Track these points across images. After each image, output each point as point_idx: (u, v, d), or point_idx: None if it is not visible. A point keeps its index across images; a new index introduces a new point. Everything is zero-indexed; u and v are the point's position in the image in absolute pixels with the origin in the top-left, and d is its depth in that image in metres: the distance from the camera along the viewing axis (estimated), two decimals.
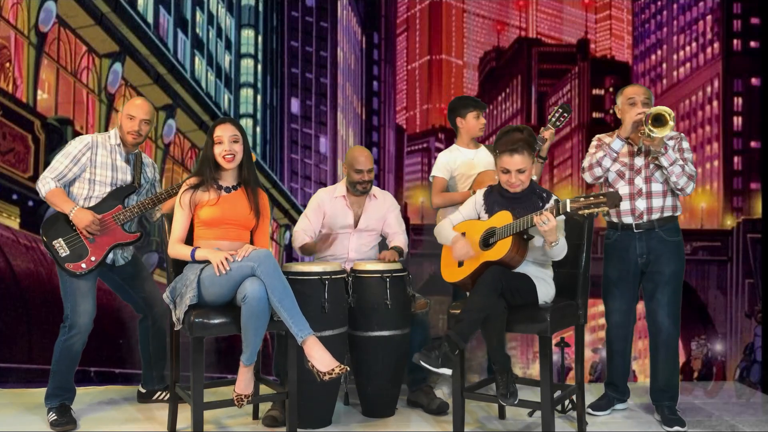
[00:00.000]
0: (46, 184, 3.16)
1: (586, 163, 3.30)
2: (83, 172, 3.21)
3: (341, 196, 3.62)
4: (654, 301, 3.25)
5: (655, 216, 3.24)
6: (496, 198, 3.01)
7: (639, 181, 3.25)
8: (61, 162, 3.18)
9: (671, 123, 3.01)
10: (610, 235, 3.36)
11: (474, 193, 3.58)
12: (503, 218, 2.90)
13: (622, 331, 3.39)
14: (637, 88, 3.31)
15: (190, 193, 2.95)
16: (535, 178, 3.15)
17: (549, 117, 3.62)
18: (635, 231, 3.26)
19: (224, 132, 2.95)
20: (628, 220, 3.27)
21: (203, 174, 2.97)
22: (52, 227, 3.14)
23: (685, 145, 3.25)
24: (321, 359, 2.68)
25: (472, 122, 3.74)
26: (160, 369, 3.55)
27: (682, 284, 3.29)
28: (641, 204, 3.24)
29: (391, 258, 3.39)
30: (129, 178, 3.28)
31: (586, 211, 2.69)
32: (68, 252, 3.13)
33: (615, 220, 3.31)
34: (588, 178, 3.29)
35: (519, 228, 2.81)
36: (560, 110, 3.58)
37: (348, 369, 2.73)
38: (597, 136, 3.45)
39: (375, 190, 3.69)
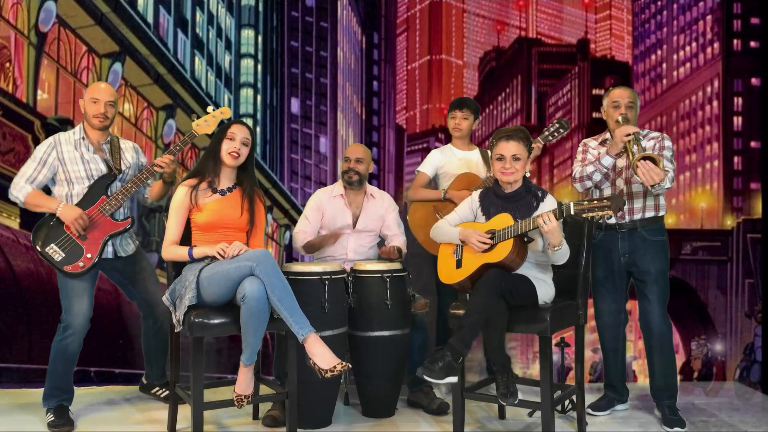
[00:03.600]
0: (21, 189, 3.13)
1: (576, 174, 3.31)
2: (56, 172, 3.19)
3: (339, 195, 3.62)
4: (644, 301, 3.28)
5: (637, 216, 3.26)
6: (492, 199, 3.01)
7: (620, 183, 3.28)
8: (29, 166, 3.17)
9: (661, 167, 3.00)
10: (595, 235, 3.38)
11: (445, 193, 3.61)
12: (503, 220, 2.89)
13: (613, 332, 3.40)
14: (622, 90, 3.30)
15: (189, 192, 2.95)
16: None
17: (544, 130, 3.63)
18: (618, 231, 3.28)
19: (239, 132, 2.98)
20: (611, 220, 3.30)
21: (204, 168, 2.98)
22: (43, 234, 3.12)
23: (667, 143, 3.25)
24: (322, 357, 2.68)
25: (449, 122, 3.80)
26: (160, 366, 3.55)
27: (668, 282, 3.30)
28: None
29: (391, 252, 3.39)
30: (102, 167, 3.24)
31: (590, 214, 2.68)
32: (63, 255, 3.11)
33: (599, 220, 3.34)
34: (579, 188, 3.32)
35: (520, 230, 2.80)
36: (557, 125, 3.59)
37: (350, 366, 2.73)
38: (583, 141, 3.47)
39: (373, 189, 3.70)
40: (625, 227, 3.28)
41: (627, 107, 3.24)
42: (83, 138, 3.24)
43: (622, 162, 3.25)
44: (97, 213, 3.16)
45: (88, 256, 3.14)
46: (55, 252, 3.10)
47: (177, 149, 3.26)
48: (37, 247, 3.11)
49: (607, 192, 3.29)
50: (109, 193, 3.20)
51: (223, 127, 3.02)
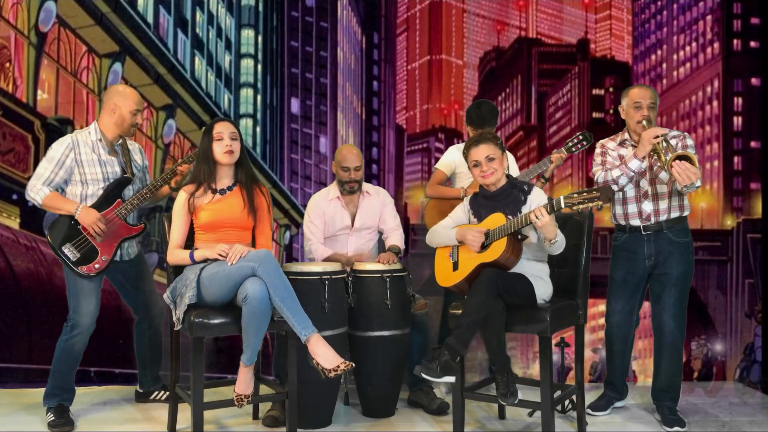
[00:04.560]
0: (38, 192, 3.11)
1: (600, 178, 3.22)
2: (72, 174, 3.17)
3: (336, 198, 3.61)
4: (660, 302, 3.24)
5: (663, 217, 3.21)
6: (480, 201, 3.03)
7: (644, 183, 3.23)
8: (46, 168, 3.13)
9: (697, 165, 2.94)
10: (618, 237, 3.34)
11: (465, 191, 3.61)
12: (496, 220, 2.90)
13: (622, 332, 3.37)
14: (644, 90, 3.23)
15: (188, 198, 2.95)
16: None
17: (567, 141, 3.62)
18: (643, 233, 3.24)
19: (224, 129, 2.96)
20: (635, 222, 3.25)
21: (200, 173, 2.97)
22: (59, 233, 3.11)
23: (689, 142, 3.21)
24: (325, 356, 2.68)
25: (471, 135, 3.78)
26: (155, 370, 3.55)
27: (689, 286, 3.26)
28: (648, 206, 3.22)
29: (390, 260, 3.39)
30: (118, 170, 3.25)
31: (581, 206, 2.69)
32: (79, 255, 3.11)
33: (623, 222, 3.29)
34: None
35: (513, 228, 2.81)
36: (580, 137, 3.58)
37: (353, 365, 2.73)
38: (600, 142, 3.38)
39: (367, 186, 3.70)
40: (650, 229, 3.22)
41: (649, 108, 3.17)
42: (100, 139, 3.23)
43: (645, 162, 3.20)
44: (113, 216, 3.17)
45: (103, 258, 3.15)
46: (71, 252, 3.11)
47: (190, 160, 3.29)
48: (53, 245, 3.11)
49: (631, 194, 3.25)
50: (124, 197, 3.22)
51: (207, 129, 3.00)
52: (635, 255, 3.26)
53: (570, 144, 3.60)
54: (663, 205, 3.20)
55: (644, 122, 3.13)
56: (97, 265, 3.13)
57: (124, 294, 3.44)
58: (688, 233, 3.26)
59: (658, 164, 3.12)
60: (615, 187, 3.15)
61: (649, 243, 3.22)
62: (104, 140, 3.24)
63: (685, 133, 3.23)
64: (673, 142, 3.18)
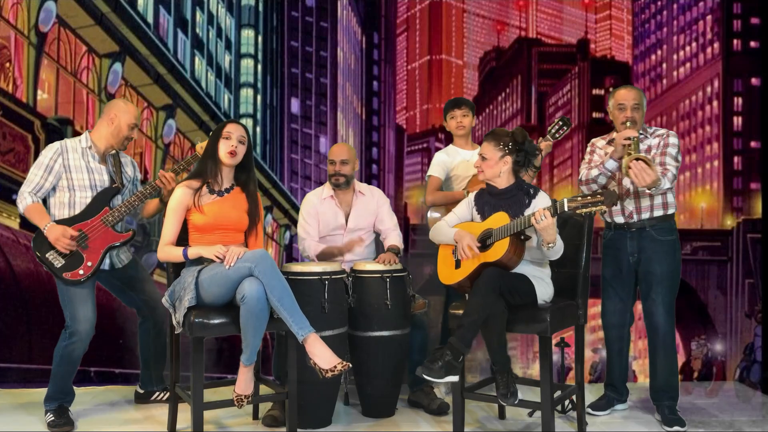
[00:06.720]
0: (23, 201, 3.14)
1: (582, 177, 3.32)
2: (60, 179, 3.18)
3: (329, 197, 3.61)
4: (649, 301, 3.27)
5: (645, 215, 3.25)
6: (486, 198, 3.05)
7: (626, 182, 3.27)
8: (35, 174, 3.15)
9: (652, 167, 2.99)
10: (606, 235, 3.40)
11: (468, 193, 3.60)
12: (499, 219, 2.90)
13: (618, 332, 3.40)
14: (628, 92, 3.29)
15: (193, 194, 2.94)
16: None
17: (549, 128, 3.63)
18: (627, 230, 3.28)
19: (234, 130, 2.98)
20: (619, 219, 3.30)
21: (204, 169, 2.98)
22: (43, 240, 3.10)
23: (672, 140, 3.25)
24: (323, 356, 2.68)
25: (449, 122, 3.80)
26: (158, 370, 3.55)
27: (678, 283, 3.29)
28: (630, 204, 3.27)
29: (390, 260, 3.39)
30: (106, 179, 3.26)
31: (584, 210, 2.69)
32: (63, 262, 3.09)
33: (608, 219, 3.35)
34: (585, 190, 3.31)
35: (516, 229, 2.81)
36: (560, 122, 3.60)
37: (350, 365, 2.73)
38: (592, 141, 3.48)
39: (361, 186, 3.69)
40: (634, 226, 3.27)
41: (633, 109, 3.23)
42: (90, 147, 3.25)
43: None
44: (99, 223, 3.16)
45: (89, 264, 3.13)
46: (55, 258, 3.09)
47: (180, 168, 3.27)
48: (37, 253, 3.10)
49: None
50: (111, 206, 3.22)
51: (219, 127, 3.01)
52: (619, 252, 3.31)
53: (552, 131, 3.61)
54: (644, 203, 3.24)
55: (627, 123, 3.19)
56: (81, 271, 3.11)
57: (125, 299, 3.44)
58: (674, 232, 3.29)
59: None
60: (594, 186, 3.24)
61: (632, 240, 3.27)
62: (94, 149, 3.25)
63: (671, 132, 3.28)
64: (656, 140, 3.24)
